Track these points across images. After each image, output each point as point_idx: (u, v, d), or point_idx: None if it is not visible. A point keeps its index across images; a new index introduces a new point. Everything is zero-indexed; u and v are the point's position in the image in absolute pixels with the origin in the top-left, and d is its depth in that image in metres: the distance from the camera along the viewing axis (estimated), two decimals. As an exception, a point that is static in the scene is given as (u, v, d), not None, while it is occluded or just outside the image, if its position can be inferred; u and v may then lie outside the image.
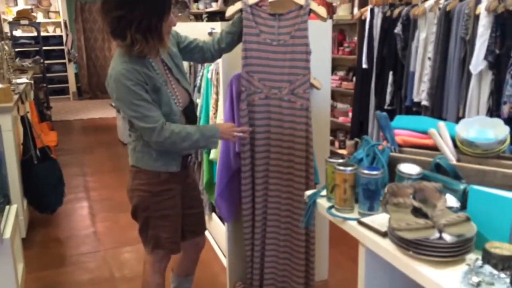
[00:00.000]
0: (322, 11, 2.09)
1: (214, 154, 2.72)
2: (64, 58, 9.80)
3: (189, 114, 2.00)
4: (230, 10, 2.08)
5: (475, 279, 1.07)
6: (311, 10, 2.06)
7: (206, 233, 3.10)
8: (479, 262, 1.13)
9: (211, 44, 2.08)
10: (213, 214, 3.22)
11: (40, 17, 9.42)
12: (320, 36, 2.55)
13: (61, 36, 9.74)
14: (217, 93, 2.77)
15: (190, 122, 2.01)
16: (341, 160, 1.53)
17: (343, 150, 4.58)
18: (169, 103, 1.83)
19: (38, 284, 2.80)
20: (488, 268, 1.10)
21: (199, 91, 3.08)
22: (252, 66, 2.05)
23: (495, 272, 1.08)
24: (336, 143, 4.72)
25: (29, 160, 3.42)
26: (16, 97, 3.37)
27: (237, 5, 2.05)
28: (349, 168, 1.46)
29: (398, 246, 1.21)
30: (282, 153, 2.15)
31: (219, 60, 2.35)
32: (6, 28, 7.76)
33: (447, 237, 1.15)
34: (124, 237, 3.41)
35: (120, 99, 1.75)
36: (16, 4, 9.28)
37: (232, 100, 2.26)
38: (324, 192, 1.62)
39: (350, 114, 4.42)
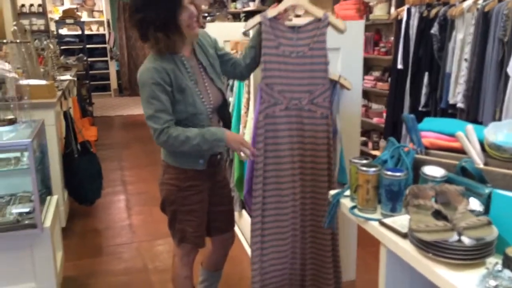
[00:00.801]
0: (340, 24, 2.11)
1: (245, 152, 2.77)
2: (107, 56, 10.13)
3: (223, 113, 2.05)
4: (249, 24, 2.10)
5: (492, 283, 1.07)
6: (329, 23, 2.08)
7: (236, 229, 3.16)
8: (499, 266, 1.12)
9: (240, 62, 2.11)
10: (243, 211, 3.28)
11: (84, 16, 9.78)
12: (352, 36, 2.56)
13: (104, 35, 10.08)
14: (248, 92, 2.83)
15: (224, 121, 2.07)
16: (364, 161, 1.55)
17: (376, 151, 4.54)
18: (194, 103, 1.86)
19: (76, 272, 2.94)
20: (507, 273, 1.10)
21: (231, 90, 3.14)
22: (271, 79, 2.06)
23: (514, 276, 1.08)
24: (370, 144, 4.69)
25: (70, 153, 3.58)
26: (59, 93, 3.54)
27: (256, 19, 2.07)
28: (372, 169, 1.47)
29: (418, 248, 1.22)
30: (304, 161, 2.17)
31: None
32: (52, 27, 8.09)
33: (466, 240, 1.15)
34: (157, 230, 3.53)
35: (140, 94, 1.84)
36: (62, 4, 9.66)
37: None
38: (348, 192, 1.64)
39: (384, 115, 4.37)
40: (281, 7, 2.06)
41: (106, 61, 10.18)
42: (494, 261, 1.16)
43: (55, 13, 9.20)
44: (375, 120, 4.58)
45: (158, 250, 3.24)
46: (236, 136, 1.96)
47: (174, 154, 1.93)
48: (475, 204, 1.32)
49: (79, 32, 8.83)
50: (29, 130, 2.54)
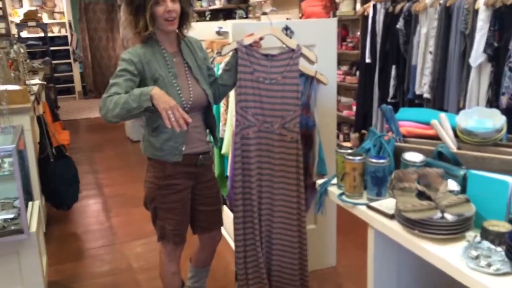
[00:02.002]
0: (311, 55, 2.24)
1: (226, 148, 2.84)
2: (69, 58, 9.93)
3: (207, 115, 2.10)
4: (226, 49, 2.20)
5: (474, 253, 1.19)
6: (301, 54, 2.19)
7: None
8: (478, 239, 1.25)
9: (218, 84, 2.19)
10: (225, 207, 3.35)
11: (45, 18, 9.54)
12: (326, 33, 2.67)
13: (66, 37, 9.87)
14: (227, 90, 2.90)
15: (208, 122, 2.12)
16: (350, 151, 1.66)
17: (347, 143, 4.70)
18: (167, 93, 1.78)
19: (60, 276, 2.94)
20: (486, 244, 1.22)
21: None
22: (246, 102, 2.17)
23: (492, 246, 1.21)
24: (341, 136, 4.84)
25: (45, 158, 3.55)
26: (32, 98, 3.50)
27: (232, 45, 2.17)
28: (358, 158, 1.58)
29: (405, 226, 1.34)
30: (273, 181, 2.26)
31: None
32: (13, 30, 7.87)
33: (449, 217, 1.27)
34: (138, 230, 3.55)
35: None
36: (22, 6, 9.40)
37: None
38: (334, 181, 1.75)
39: (354, 107, 4.53)
40: (256, 36, 2.16)
41: (69, 63, 9.98)
42: (473, 235, 1.29)
43: (15, 16, 8.95)
44: (345, 113, 4.73)
45: (140, 249, 3.26)
46: (167, 97, 1.72)
47: (153, 146, 1.98)
48: (452, 185, 1.45)
49: (41, 35, 8.63)
50: (10, 135, 2.52)
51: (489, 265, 1.15)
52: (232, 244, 3.20)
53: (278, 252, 2.35)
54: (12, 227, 2.34)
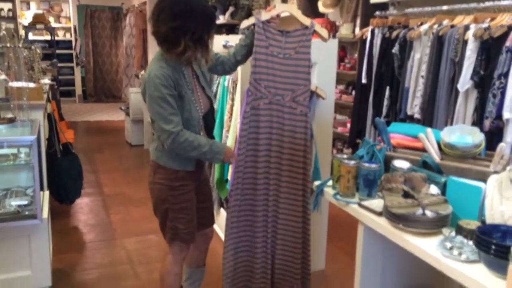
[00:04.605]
0: (324, 33, 2.38)
1: (228, 153, 3.04)
2: (72, 62, 10.14)
3: (208, 119, 2.22)
4: (245, 23, 2.35)
5: (448, 245, 1.39)
6: (315, 31, 2.35)
7: (215, 226, 3.39)
8: (453, 234, 1.46)
9: (228, 58, 2.33)
10: (221, 209, 3.53)
11: (51, 22, 9.75)
12: (326, 52, 2.90)
13: (70, 41, 10.10)
14: (232, 99, 3.10)
15: (207, 126, 2.23)
16: (345, 156, 1.86)
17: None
18: (190, 109, 2.02)
19: (63, 265, 3.09)
20: (459, 238, 1.43)
21: (215, 97, 3.40)
22: (259, 75, 2.30)
23: (465, 240, 1.41)
24: (335, 151, 5.05)
25: (53, 154, 3.73)
26: (45, 96, 3.68)
27: (251, 20, 2.32)
28: (352, 162, 1.79)
29: (390, 221, 1.54)
30: (282, 152, 2.36)
31: (238, 69, 2.66)
32: (21, 32, 8.07)
33: (429, 213, 1.48)
34: (137, 228, 3.71)
35: (151, 97, 1.95)
36: (29, 8, 9.61)
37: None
38: (330, 183, 1.95)
39: (348, 125, 4.75)
40: (273, 12, 2.32)
41: (72, 67, 10.18)
42: (449, 231, 1.49)
43: (22, 18, 9.15)
44: (339, 129, 4.95)
45: (139, 245, 3.42)
46: (230, 151, 2.20)
47: (169, 156, 2.07)
48: (434, 189, 1.65)
49: (46, 37, 8.83)
50: (27, 128, 2.70)
51: (460, 254, 1.35)
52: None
53: (282, 231, 2.41)
54: (26, 212, 2.51)
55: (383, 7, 4.23)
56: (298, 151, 2.35)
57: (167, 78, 1.95)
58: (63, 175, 3.73)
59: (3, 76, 3.21)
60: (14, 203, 2.56)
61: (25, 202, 2.58)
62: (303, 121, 2.33)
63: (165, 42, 1.96)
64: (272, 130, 2.36)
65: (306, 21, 2.33)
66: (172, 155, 2.07)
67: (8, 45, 2.92)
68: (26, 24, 8.61)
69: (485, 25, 2.98)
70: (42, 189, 2.95)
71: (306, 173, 2.35)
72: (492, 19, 3.00)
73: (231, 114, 3.09)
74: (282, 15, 2.33)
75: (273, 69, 2.31)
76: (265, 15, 2.29)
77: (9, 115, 2.72)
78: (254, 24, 2.29)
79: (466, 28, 3.09)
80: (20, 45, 3.56)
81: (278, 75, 2.32)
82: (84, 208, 4.15)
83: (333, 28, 5.01)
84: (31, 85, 3.36)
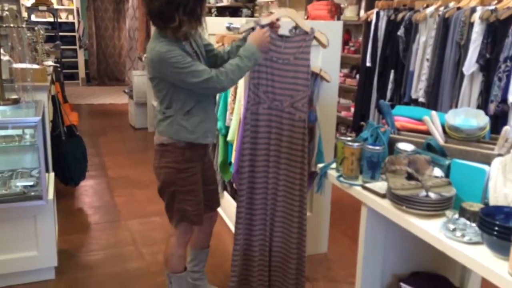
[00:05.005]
0: (324, 39, 2.37)
1: (231, 136, 3.05)
2: (75, 45, 10.09)
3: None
4: (244, 27, 2.34)
5: (451, 226, 1.40)
6: (315, 37, 2.32)
7: (218, 209, 3.42)
8: (456, 216, 1.46)
9: (222, 54, 2.29)
10: (225, 192, 3.55)
11: (53, 3, 9.69)
12: (331, 36, 2.87)
13: (73, 23, 10.03)
14: (236, 82, 3.09)
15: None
16: (349, 138, 1.86)
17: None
18: None
19: (68, 245, 3.12)
20: (462, 220, 1.44)
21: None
22: (258, 79, 2.31)
23: (468, 222, 1.42)
24: (338, 135, 5.05)
25: (58, 136, 3.74)
26: (49, 77, 3.67)
27: (250, 24, 2.31)
28: (356, 144, 1.79)
29: (394, 203, 1.55)
30: (279, 156, 2.39)
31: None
32: (24, 13, 8.02)
33: (432, 195, 1.48)
34: (140, 210, 3.74)
35: (173, 71, 1.93)
36: (31, -10, 9.54)
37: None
38: (333, 165, 1.96)
39: (352, 109, 4.74)
40: (273, 16, 2.28)
41: (75, 49, 10.13)
42: (452, 213, 1.50)
43: (25, 0, 9.09)
44: (343, 113, 4.95)
45: (143, 227, 3.45)
46: (257, 37, 2.15)
47: (185, 130, 2.06)
48: (438, 172, 1.66)
49: (49, 19, 8.78)
50: (32, 109, 2.71)
51: (463, 235, 1.36)
52: (230, 226, 3.41)
53: (279, 229, 2.45)
54: (32, 193, 2.53)
55: (389, -11, 4.19)
56: (296, 156, 2.37)
57: (172, 47, 1.94)
58: (67, 157, 3.75)
59: (7, 57, 3.20)
60: (20, 184, 2.58)
61: (31, 183, 2.60)
62: (301, 127, 2.34)
63: (160, 19, 1.95)
64: (271, 135, 2.38)
65: (306, 26, 2.32)
66: (187, 128, 2.06)
67: (11, 25, 2.90)
68: (28, 5, 8.55)
69: (492, 7, 2.95)
70: (47, 170, 2.97)
71: (303, 178, 2.36)
72: (499, 1, 2.97)
73: (235, 97, 3.09)
74: (282, 19, 2.31)
75: (272, 74, 2.32)
76: (265, 20, 2.28)
77: (14, 96, 2.72)
78: (253, 28, 2.27)
79: (473, 10, 3.06)
80: (24, 26, 3.55)
81: (277, 80, 2.32)
82: (88, 190, 4.18)
83: (337, 10, 4.97)
84: (35, 66, 3.35)
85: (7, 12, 3.50)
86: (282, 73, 2.31)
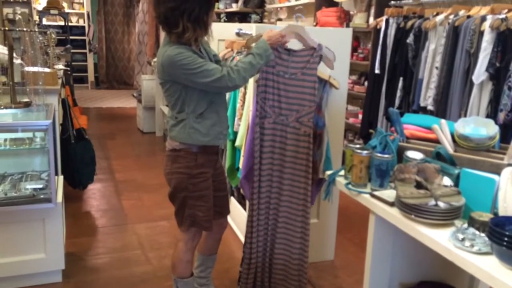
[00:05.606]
0: (331, 56, 2.36)
1: (239, 141, 3.05)
2: (85, 48, 10.18)
3: None
4: (250, 41, 2.35)
5: (460, 236, 1.40)
6: (321, 55, 2.32)
7: (226, 214, 3.43)
8: (465, 225, 1.46)
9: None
10: (232, 198, 3.55)
11: (65, 7, 9.79)
12: (341, 42, 2.88)
13: (83, 27, 10.13)
14: (245, 87, 3.10)
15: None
16: (358, 146, 1.86)
17: (351, 149, 4.89)
18: None
19: (76, 249, 3.14)
20: (471, 230, 1.43)
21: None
22: (265, 94, 2.32)
23: (477, 232, 1.41)
24: (345, 142, 5.04)
25: (67, 139, 3.77)
26: (59, 81, 3.71)
27: (258, 37, 2.30)
28: (365, 152, 1.79)
29: (403, 212, 1.54)
30: (283, 172, 2.40)
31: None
32: (35, 17, 8.11)
33: (441, 205, 1.48)
34: (148, 214, 3.75)
35: (184, 72, 1.95)
36: (42, -7, 9.65)
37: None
38: (341, 172, 1.95)
39: (359, 116, 4.73)
40: (282, 32, 2.27)
41: (85, 53, 10.23)
42: (461, 222, 1.49)
43: (36, 3, 9.19)
44: (351, 120, 4.94)
45: (150, 232, 3.46)
46: (271, 35, 2.16)
47: (199, 133, 2.06)
48: (447, 181, 1.65)
49: (60, 23, 8.86)
50: (43, 113, 2.73)
51: (472, 245, 1.35)
52: (238, 232, 3.41)
53: (281, 241, 2.49)
54: (41, 196, 2.55)
55: (398, -4, 4.20)
56: (300, 171, 2.38)
57: (182, 50, 1.96)
58: (76, 160, 3.77)
59: (19, 61, 3.24)
60: (30, 186, 2.60)
61: (40, 186, 2.62)
62: (306, 141, 2.35)
63: (166, 24, 1.98)
64: (274, 149, 2.40)
65: (314, 42, 2.32)
66: (200, 131, 2.07)
67: (24, 29, 2.93)
68: (40, 9, 8.65)
69: (502, 16, 2.94)
70: (56, 173, 3.00)
71: (307, 193, 2.38)
72: (510, 10, 2.96)
73: (244, 103, 3.10)
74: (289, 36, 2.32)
75: (278, 89, 2.33)
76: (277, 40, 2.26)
77: (25, 100, 2.75)
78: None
79: (483, 19, 3.05)
80: (36, 30, 3.59)
81: (283, 95, 2.34)
82: (96, 194, 4.20)
83: (346, 17, 4.97)
84: (46, 70, 3.38)
85: (19, 16, 3.55)
86: (288, 88, 2.33)
